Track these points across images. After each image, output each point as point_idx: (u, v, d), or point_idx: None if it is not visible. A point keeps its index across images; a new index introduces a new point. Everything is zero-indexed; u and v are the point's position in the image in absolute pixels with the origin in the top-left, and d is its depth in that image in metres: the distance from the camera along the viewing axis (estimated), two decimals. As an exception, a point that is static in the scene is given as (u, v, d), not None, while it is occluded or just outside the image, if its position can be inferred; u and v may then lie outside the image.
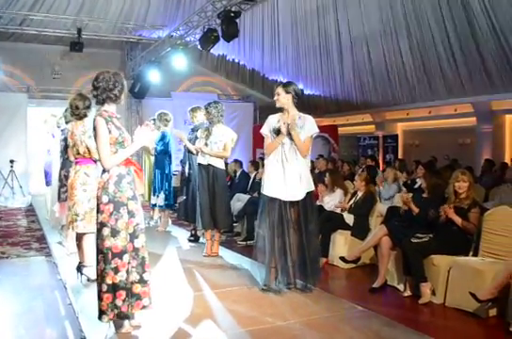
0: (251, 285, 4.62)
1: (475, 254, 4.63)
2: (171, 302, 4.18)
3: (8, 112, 12.13)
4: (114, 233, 3.32)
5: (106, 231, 3.32)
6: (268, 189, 4.46)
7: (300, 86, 13.74)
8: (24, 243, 6.85)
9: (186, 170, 6.37)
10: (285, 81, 4.66)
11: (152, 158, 7.49)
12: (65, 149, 5.44)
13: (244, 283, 4.72)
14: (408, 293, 4.71)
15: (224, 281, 4.82)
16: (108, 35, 10.62)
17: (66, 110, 5.46)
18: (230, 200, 6.27)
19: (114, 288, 3.32)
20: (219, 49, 12.89)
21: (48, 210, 7.65)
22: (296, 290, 4.50)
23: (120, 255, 3.33)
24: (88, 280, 4.59)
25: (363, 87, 12.63)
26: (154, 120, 7.32)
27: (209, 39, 8.13)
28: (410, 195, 5.26)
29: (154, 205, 7.40)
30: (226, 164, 9.02)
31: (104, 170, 3.39)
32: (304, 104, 14.28)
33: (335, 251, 5.82)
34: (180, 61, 10.11)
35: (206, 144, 5.61)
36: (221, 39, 7.91)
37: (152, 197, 7.33)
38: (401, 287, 4.84)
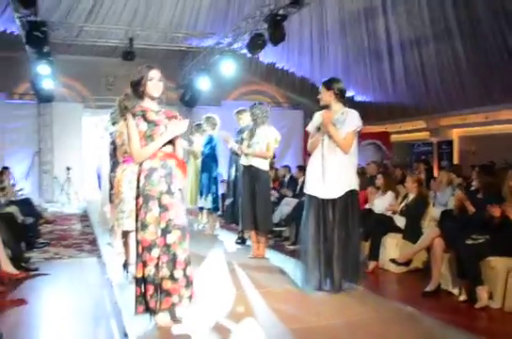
0: (296, 286, 4.50)
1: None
2: (213, 300, 4.10)
3: (65, 121, 12.61)
4: (143, 226, 3.31)
5: (138, 224, 3.33)
6: (308, 187, 4.38)
7: (351, 92, 13.57)
8: (76, 245, 6.98)
9: (233, 173, 6.35)
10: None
11: (199, 162, 7.52)
12: (114, 151, 5.51)
13: (288, 284, 4.61)
14: (463, 297, 4.44)
15: (268, 281, 4.73)
16: (159, 44, 10.82)
17: (113, 112, 5.53)
18: (271, 202, 6.16)
19: (143, 282, 3.31)
20: (268, 57, 12.91)
21: (99, 213, 7.79)
22: (341, 291, 4.34)
23: (148, 249, 3.30)
24: (134, 277, 4.59)
25: (415, 92, 12.31)
26: (200, 124, 7.35)
27: (256, 43, 8.15)
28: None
29: (202, 208, 7.39)
30: (275, 169, 9.04)
31: (137, 164, 3.40)
32: (355, 109, 14.26)
33: (386, 255, 5.60)
34: (229, 68, 10.18)
35: (249, 145, 5.58)
36: (268, 43, 7.91)
37: (199, 200, 7.34)
38: (456, 291, 4.58)
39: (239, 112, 6.38)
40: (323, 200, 4.29)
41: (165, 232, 3.34)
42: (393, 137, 14.54)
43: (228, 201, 6.49)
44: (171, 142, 3.44)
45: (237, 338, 3.35)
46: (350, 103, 13.91)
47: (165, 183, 3.37)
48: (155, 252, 3.31)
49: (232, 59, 9.95)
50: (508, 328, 3.87)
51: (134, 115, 3.37)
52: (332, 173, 4.28)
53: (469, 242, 4.43)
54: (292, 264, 5.25)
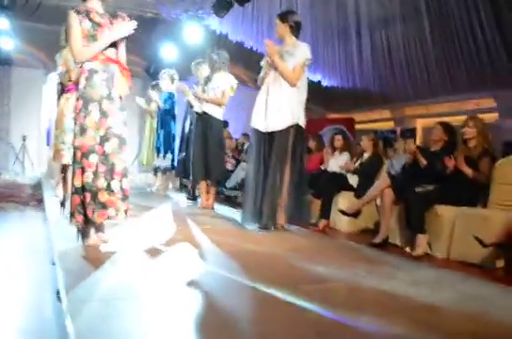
0: (239, 226, 4.39)
1: (484, 207, 4.30)
2: (149, 230, 3.96)
3: (24, 87, 12.15)
4: (82, 130, 3.14)
5: (76, 128, 3.15)
6: (252, 120, 4.28)
7: (318, 76, 13.52)
8: (23, 203, 6.70)
9: (187, 126, 6.17)
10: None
11: (155, 122, 7.32)
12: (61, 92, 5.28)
13: (232, 225, 4.50)
14: (409, 249, 4.37)
15: (212, 222, 4.59)
16: (126, 8, 10.51)
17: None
18: (223, 151, 6.00)
19: (82, 190, 3.13)
20: (237, 35, 12.72)
21: (48, 165, 7.50)
22: (282, 229, 4.27)
23: (87, 155, 3.13)
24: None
25: (382, 78, 12.32)
26: (158, 83, 7.14)
27: (222, 5, 8.03)
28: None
29: (158, 169, 7.19)
30: (236, 140, 8.89)
31: (79, 66, 3.22)
32: (321, 96, 14.19)
33: (337, 214, 5.51)
34: (195, 38, 10.00)
35: (204, 90, 5.42)
36: (235, 3, 7.78)
37: (155, 159, 7.13)
38: (403, 245, 4.51)
39: (198, 63, 6.18)
40: (264, 133, 4.17)
41: (103, 139, 3.18)
42: (358, 126, 14.55)
43: (180, 156, 6.30)
44: (115, 46, 3.28)
45: (169, 258, 3.19)
46: (316, 87, 13.87)
47: (106, 86, 3.21)
48: (94, 158, 3.15)
49: (199, 28, 9.77)
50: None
51: (77, 12, 3.19)
52: (274, 105, 4.17)
53: (418, 190, 4.35)
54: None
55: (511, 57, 9.33)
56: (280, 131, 4.15)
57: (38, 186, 9.41)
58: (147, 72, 12.29)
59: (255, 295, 2.32)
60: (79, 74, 3.23)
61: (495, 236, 3.60)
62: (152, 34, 11.98)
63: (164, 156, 6.99)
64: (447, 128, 4.91)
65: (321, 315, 1.99)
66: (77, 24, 3.17)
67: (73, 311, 1.98)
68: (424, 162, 4.71)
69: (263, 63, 4.43)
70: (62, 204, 4.53)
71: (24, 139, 11.94)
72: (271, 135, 4.19)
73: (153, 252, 3.22)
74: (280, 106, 4.17)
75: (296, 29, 4.35)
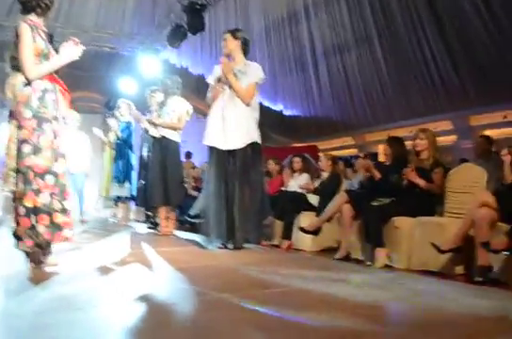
0: (199, 247, 4.30)
1: (441, 216, 4.32)
2: (101, 253, 3.86)
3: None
4: (36, 150, 3.04)
5: (27, 148, 3.04)
6: (208, 138, 4.24)
7: (280, 106, 13.70)
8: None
9: (145, 153, 6.11)
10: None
11: (113, 152, 7.25)
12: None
13: (191, 246, 4.41)
14: (371, 262, 4.35)
15: (168, 244, 4.50)
16: (84, 43, 10.54)
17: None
18: (182, 175, 5.93)
19: (34, 212, 3.00)
20: (197, 68, 12.89)
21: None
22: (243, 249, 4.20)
23: (41, 175, 3.02)
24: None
25: (342, 105, 12.55)
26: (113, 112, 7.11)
27: (176, 35, 8.11)
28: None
29: (119, 198, 7.07)
30: (198, 168, 8.84)
31: (26, 84, 3.14)
32: (285, 125, 14.34)
33: (299, 234, 5.46)
34: (152, 69, 10.06)
35: (159, 115, 5.41)
36: (189, 33, 7.88)
37: (114, 189, 7.02)
38: (365, 259, 4.48)
39: (152, 91, 6.19)
40: (223, 151, 4.15)
41: (53, 160, 3.11)
42: (322, 154, 14.66)
43: (140, 183, 6.21)
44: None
45: (118, 275, 3.08)
46: (279, 117, 13.98)
47: (54, 108, 3.15)
48: (50, 180, 3.05)
49: (156, 61, 9.85)
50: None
51: (31, 27, 3.08)
52: (232, 123, 4.18)
53: (374, 203, 4.37)
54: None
55: (462, 79, 9.63)
56: (240, 149, 4.14)
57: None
58: (106, 106, 12.25)
59: (200, 300, 2.25)
60: (29, 92, 3.12)
61: (451, 242, 3.60)
62: (109, 68, 12.03)
63: (122, 186, 6.89)
64: (394, 141, 4.99)
65: (263, 314, 1.94)
66: (30, 40, 3.07)
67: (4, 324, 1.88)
68: (378, 175, 4.75)
69: (210, 81, 4.44)
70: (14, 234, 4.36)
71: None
72: (230, 152, 4.16)
73: (103, 271, 3.13)
74: (238, 124, 4.18)
75: (246, 47, 4.40)
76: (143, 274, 3.04)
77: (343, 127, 13.47)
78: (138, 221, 7.54)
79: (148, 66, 10.23)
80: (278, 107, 13.61)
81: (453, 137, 11.57)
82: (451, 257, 3.70)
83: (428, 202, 4.35)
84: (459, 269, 3.74)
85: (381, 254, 4.10)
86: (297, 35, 10.84)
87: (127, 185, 6.87)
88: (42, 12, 3.21)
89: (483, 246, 3.31)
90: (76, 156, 5.20)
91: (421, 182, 4.31)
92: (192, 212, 6.94)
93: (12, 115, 4.37)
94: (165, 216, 5.45)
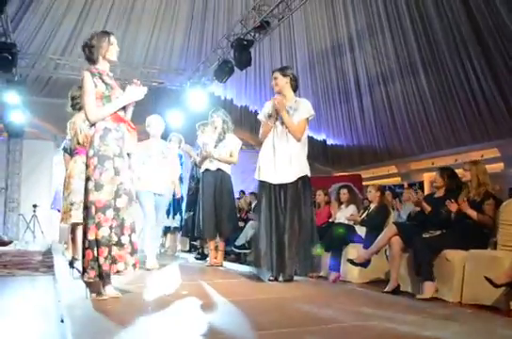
0: (250, 279, 4.36)
1: (494, 249, 4.26)
2: (157, 285, 3.96)
3: (35, 159, 12.56)
4: (97, 187, 3.21)
5: (90, 185, 3.22)
6: (260, 173, 4.34)
7: (323, 135, 13.77)
8: (33, 268, 6.69)
9: (193, 185, 6.25)
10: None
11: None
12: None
13: (242, 278, 4.48)
14: (420, 295, 4.32)
15: (220, 276, 4.57)
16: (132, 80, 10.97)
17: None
18: (235, 208, 6.03)
19: (96, 244, 3.16)
20: (242, 100, 13.16)
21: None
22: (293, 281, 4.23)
23: (103, 210, 3.19)
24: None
25: (385, 134, 12.52)
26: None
27: (223, 70, 8.34)
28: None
29: (168, 229, 7.23)
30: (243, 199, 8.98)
31: (91, 125, 3.35)
32: (328, 155, 14.38)
33: (348, 266, 5.46)
34: (199, 103, 10.34)
35: (216, 147, 5.54)
36: (235, 68, 8.11)
37: (165, 220, 7.18)
38: (415, 291, 4.43)
39: (204, 125, 6.35)
40: (274, 185, 4.24)
41: (116, 195, 3.27)
42: (366, 183, 14.58)
43: (187, 215, 6.33)
44: (124, 108, 3.44)
45: (178, 309, 3.17)
46: (322, 146, 14.04)
47: (117, 146, 3.32)
48: (110, 214, 3.22)
49: (203, 95, 10.12)
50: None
51: (92, 74, 3.35)
52: (284, 159, 4.26)
53: (425, 236, 4.35)
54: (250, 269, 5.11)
55: (508, 106, 9.52)
56: (291, 183, 4.23)
57: (48, 253, 9.42)
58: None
59: (262, 335, 2.29)
60: (93, 133, 3.33)
61: (506, 276, 3.55)
62: (158, 102, 12.44)
63: (173, 217, 7.04)
64: (446, 173, 4.95)
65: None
66: (92, 86, 3.31)
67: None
68: (428, 208, 4.73)
69: (261, 117, 4.56)
70: (70, 264, 4.54)
71: (34, 208, 12.07)
72: (281, 187, 4.25)
73: (162, 304, 3.19)
74: (290, 160, 4.27)
75: (295, 83, 4.52)
76: (201, 307, 3.10)
77: (386, 156, 13.43)
78: (184, 251, 7.67)
79: (195, 100, 10.51)
80: (321, 137, 13.69)
81: (500, 165, 11.36)
82: (505, 291, 3.64)
83: (480, 235, 4.32)
84: (515, 304, 3.67)
85: (430, 288, 4.07)
86: (341, 66, 10.98)
87: (177, 216, 7.02)
88: (104, 58, 3.45)
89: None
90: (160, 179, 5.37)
91: (472, 213, 4.29)
92: (238, 243, 7.06)
93: (71, 152, 4.64)
94: (214, 246, 5.53)
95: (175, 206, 7.08)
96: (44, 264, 7.33)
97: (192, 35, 10.63)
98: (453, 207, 4.38)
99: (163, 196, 5.47)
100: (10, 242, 8.70)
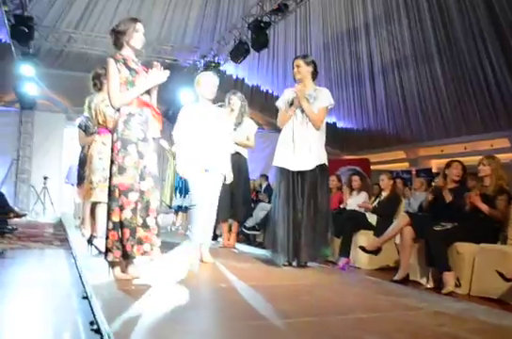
0: (264, 263, 4.47)
1: (503, 243, 4.34)
2: (175, 266, 4.07)
3: (46, 131, 12.64)
4: (121, 170, 3.29)
5: (114, 168, 3.31)
6: (278, 160, 4.39)
7: (333, 118, 13.76)
8: (46, 241, 6.81)
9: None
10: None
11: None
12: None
13: (256, 262, 4.58)
14: (430, 285, 4.43)
15: (235, 259, 4.66)
16: (146, 56, 10.96)
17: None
18: (250, 191, 6.10)
19: (120, 226, 3.27)
20: (253, 79, 13.13)
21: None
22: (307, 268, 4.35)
23: (125, 193, 3.28)
24: (99, 252, 4.47)
25: (396, 119, 12.52)
26: None
27: (239, 51, 8.32)
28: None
29: (179, 208, 7.30)
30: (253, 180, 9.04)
31: (116, 110, 3.41)
32: (337, 138, 14.39)
33: (357, 252, 5.57)
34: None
35: (234, 129, 5.57)
36: (251, 49, 8.08)
37: (177, 199, 7.26)
38: (424, 281, 4.55)
39: (220, 106, 6.30)
40: (293, 172, 4.30)
41: (140, 178, 3.35)
42: (373, 167, 14.64)
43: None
44: (148, 92, 3.49)
45: (198, 292, 3.28)
46: (332, 129, 14.02)
47: (140, 130, 3.39)
48: (133, 196, 3.30)
49: (214, 72, 10.09)
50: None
51: (116, 60, 3.40)
52: (303, 146, 4.30)
53: (437, 228, 4.42)
54: (263, 252, 5.21)
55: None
56: (310, 170, 4.29)
57: (58, 226, 9.57)
58: (165, 115, 12.64)
59: (287, 323, 2.39)
60: (117, 118, 3.39)
61: (516, 271, 3.65)
62: (169, 79, 12.33)
63: (185, 196, 7.11)
64: (464, 166, 5.00)
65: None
66: (115, 72, 3.37)
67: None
68: (449, 197, 4.72)
69: (279, 104, 4.58)
70: (89, 241, 4.64)
71: (45, 180, 12.18)
72: (299, 173, 4.31)
73: (183, 287, 3.29)
74: (310, 147, 4.32)
75: (316, 71, 4.55)
76: (223, 291, 3.21)
77: (395, 141, 13.43)
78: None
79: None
80: (331, 119, 13.68)
81: (509, 155, 11.36)
82: (514, 286, 3.74)
83: (491, 229, 4.40)
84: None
85: (450, 279, 4.14)
86: (356, 50, 10.92)
87: (188, 195, 7.07)
88: (128, 44, 3.49)
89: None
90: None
91: (484, 207, 4.36)
92: (248, 224, 7.15)
93: (86, 129, 4.74)
94: (227, 228, 5.63)
95: (187, 185, 7.12)
96: (57, 236, 7.46)
97: (207, 13, 10.54)
98: (476, 200, 4.41)
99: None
100: (24, 215, 8.81)
